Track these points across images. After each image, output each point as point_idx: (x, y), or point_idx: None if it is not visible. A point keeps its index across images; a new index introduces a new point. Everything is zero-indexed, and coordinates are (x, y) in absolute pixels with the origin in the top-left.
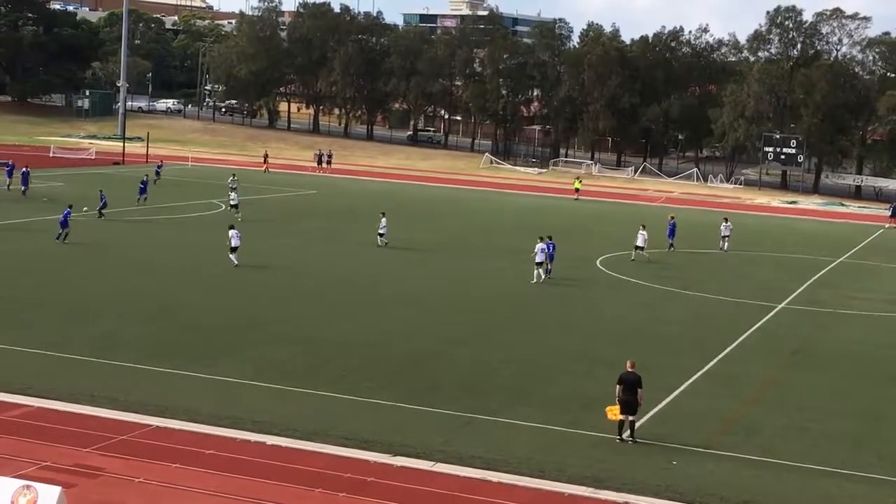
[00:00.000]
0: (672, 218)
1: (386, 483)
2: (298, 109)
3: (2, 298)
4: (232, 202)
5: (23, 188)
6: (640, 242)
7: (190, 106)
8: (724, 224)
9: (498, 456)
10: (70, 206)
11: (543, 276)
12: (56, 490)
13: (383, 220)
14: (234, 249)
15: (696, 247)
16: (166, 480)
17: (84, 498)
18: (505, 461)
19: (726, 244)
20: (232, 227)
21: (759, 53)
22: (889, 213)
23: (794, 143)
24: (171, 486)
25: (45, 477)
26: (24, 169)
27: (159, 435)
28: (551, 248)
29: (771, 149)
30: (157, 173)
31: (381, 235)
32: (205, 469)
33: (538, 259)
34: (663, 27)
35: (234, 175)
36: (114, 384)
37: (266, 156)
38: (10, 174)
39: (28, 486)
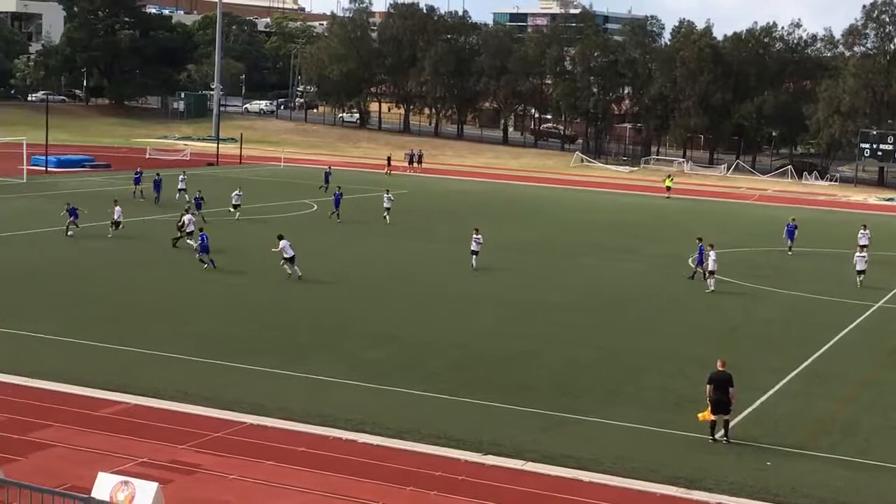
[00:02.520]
0: (793, 220)
1: (477, 482)
2: (389, 109)
3: (100, 298)
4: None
5: (155, 194)
6: (711, 267)
7: (283, 107)
8: (861, 231)
9: (589, 455)
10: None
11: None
12: (153, 486)
13: (477, 236)
14: (289, 260)
15: (782, 245)
16: (260, 477)
17: (180, 494)
18: (596, 461)
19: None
20: (281, 238)
21: (855, 48)
22: None
23: (891, 139)
24: (264, 483)
25: (142, 473)
26: (155, 177)
27: (253, 432)
28: (700, 252)
29: (867, 145)
30: (327, 179)
31: (475, 254)
32: (298, 466)
33: (711, 268)
34: (755, 23)
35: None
36: (208, 382)
37: (389, 158)
38: (137, 181)
39: (126, 482)
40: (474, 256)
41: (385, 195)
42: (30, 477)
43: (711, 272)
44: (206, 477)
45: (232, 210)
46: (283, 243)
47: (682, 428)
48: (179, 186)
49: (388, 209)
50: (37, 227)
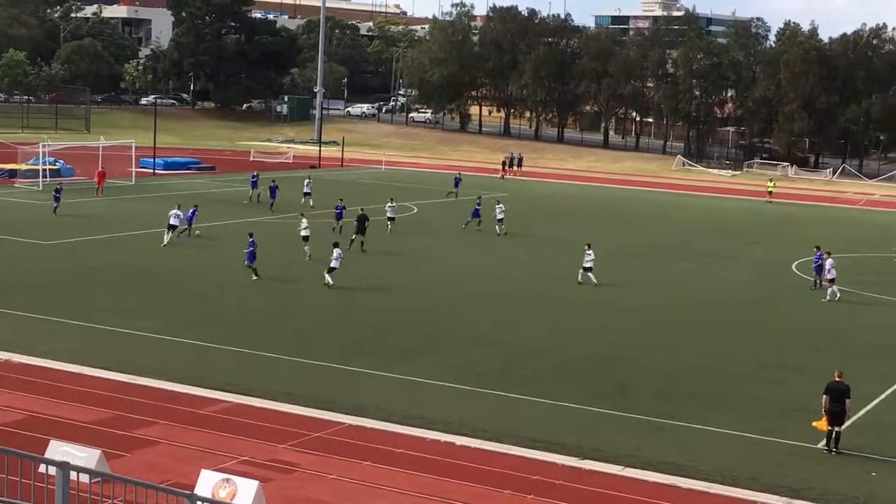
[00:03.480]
0: None
1: (574, 486)
2: (490, 113)
3: (206, 296)
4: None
5: (271, 201)
6: (830, 274)
7: (384, 110)
8: None
9: (688, 462)
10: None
11: (831, 294)
12: (254, 484)
13: (589, 251)
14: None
15: (884, 251)
16: (358, 477)
17: (280, 493)
18: (696, 468)
19: None
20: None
21: None
22: None
23: None
24: (363, 484)
25: (243, 471)
26: (271, 183)
27: (352, 433)
28: (818, 259)
29: None
30: (457, 185)
31: (588, 270)
32: (395, 467)
33: (831, 276)
34: (864, 24)
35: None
36: (308, 382)
37: (504, 162)
38: (254, 185)
39: (228, 480)
40: (589, 273)
41: (497, 206)
42: (135, 472)
43: (831, 280)
44: (305, 476)
45: (388, 223)
46: (336, 252)
47: (784, 436)
48: (305, 190)
49: (500, 220)
50: (145, 227)
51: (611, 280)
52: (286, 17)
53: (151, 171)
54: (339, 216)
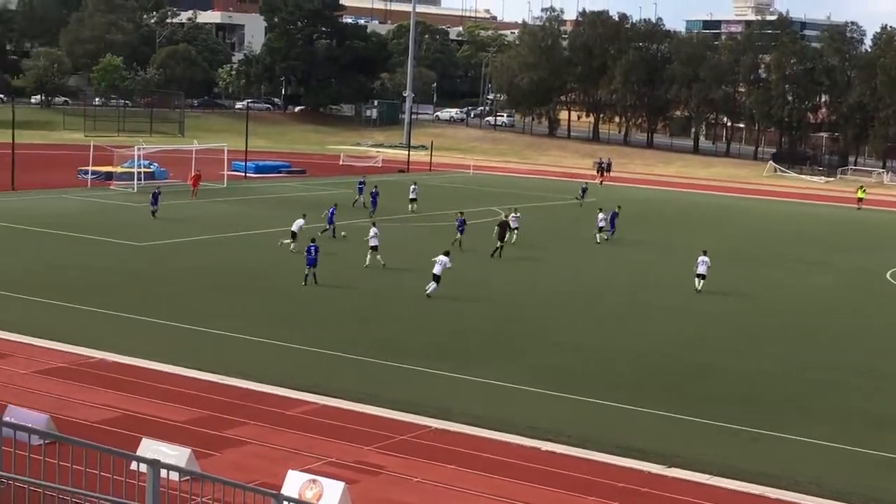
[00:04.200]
0: None
1: (660, 494)
2: (578, 118)
3: (294, 297)
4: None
5: (371, 210)
6: None
7: (472, 115)
8: None
9: (780, 472)
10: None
11: None
12: (340, 485)
13: (704, 257)
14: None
15: None
16: (443, 481)
17: (365, 494)
18: (788, 478)
19: None
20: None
21: None
22: None
23: None
24: (447, 487)
25: (329, 472)
26: (373, 190)
27: (437, 436)
28: None
29: None
30: (584, 195)
31: (701, 277)
32: (481, 472)
33: None
34: None
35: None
36: (394, 385)
37: (600, 167)
38: (361, 190)
39: (314, 481)
40: (701, 280)
41: (598, 214)
42: (223, 471)
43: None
44: (390, 478)
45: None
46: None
47: (881, 448)
48: (411, 196)
49: (601, 228)
50: (237, 230)
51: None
52: (377, 22)
53: (243, 174)
54: (461, 229)
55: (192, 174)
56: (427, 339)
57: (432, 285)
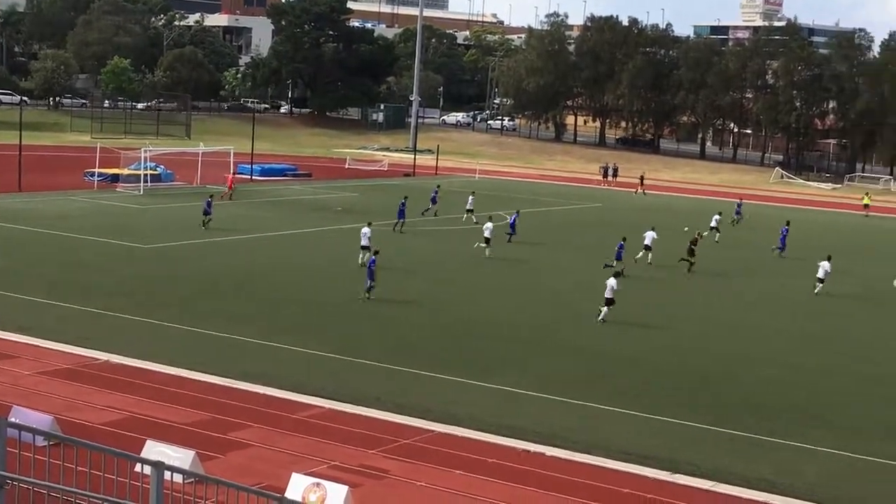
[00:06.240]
0: None
1: (665, 500)
2: (585, 122)
3: (302, 301)
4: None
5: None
6: None
7: (479, 119)
8: None
9: (785, 479)
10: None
11: None
12: (343, 489)
13: (825, 262)
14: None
15: None
16: (448, 486)
17: (369, 498)
18: (791, 486)
19: None
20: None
21: None
22: None
23: None
24: (452, 492)
25: (334, 475)
26: (402, 199)
27: (442, 440)
28: None
29: None
30: (738, 212)
31: (819, 281)
32: (486, 477)
33: None
34: None
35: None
36: (399, 389)
37: (642, 177)
38: (434, 200)
39: (318, 484)
40: (820, 284)
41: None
42: (227, 474)
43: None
44: (394, 483)
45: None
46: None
47: (892, 457)
48: (468, 206)
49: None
50: (245, 232)
51: (696, 293)
52: (383, 25)
53: (249, 177)
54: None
55: (229, 175)
56: (433, 344)
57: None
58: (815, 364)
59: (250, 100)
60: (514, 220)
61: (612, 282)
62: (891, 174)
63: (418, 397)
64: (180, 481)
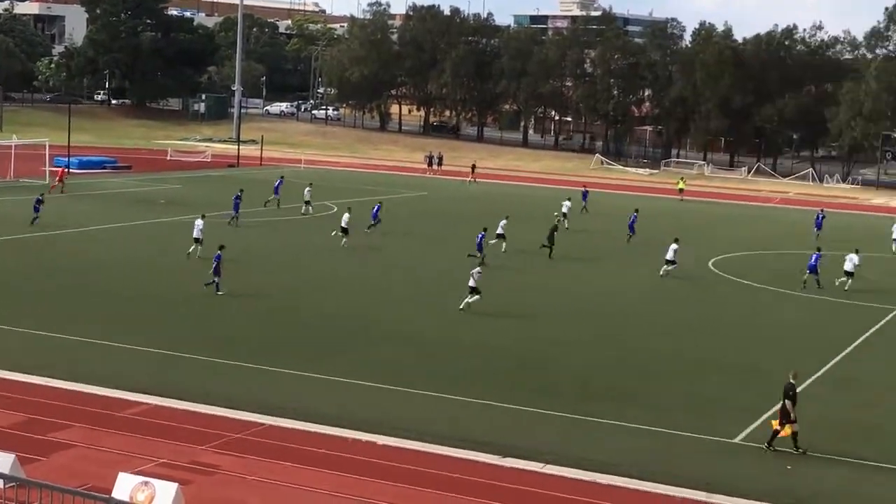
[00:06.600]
0: (822, 210)
1: (495, 483)
2: (409, 112)
3: (124, 297)
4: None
5: (234, 215)
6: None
7: (303, 109)
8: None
9: (608, 459)
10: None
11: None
12: (173, 487)
13: (853, 255)
14: (197, 241)
15: (804, 247)
16: (280, 479)
17: (200, 495)
18: (614, 464)
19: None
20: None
21: (878, 50)
22: None
23: None
24: (284, 484)
25: (163, 473)
26: (237, 192)
27: (273, 433)
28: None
29: (889, 148)
30: (584, 199)
31: (849, 275)
32: (317, 467)
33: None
34: (776, 25)
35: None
36: (228, 383)
37: (474, 165)
38: (276, 191)
39: (146, 483)
40: (850, 279)
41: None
42: (51, 477)
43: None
44: (225, 478)
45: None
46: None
47: (703, 432)
48: (306, 198)
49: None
50: (59, 228)
51: (519, 281)
52: (203, 14)
53: (66, 169)
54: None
55: (61, 168)
56: (260, 335)
57: None
58: (630, 346)
59: (77, 91)
60: (377, 210)
61: (475, 271)
62: (704, 159)
63: (247, 390)
64: (1, 486)
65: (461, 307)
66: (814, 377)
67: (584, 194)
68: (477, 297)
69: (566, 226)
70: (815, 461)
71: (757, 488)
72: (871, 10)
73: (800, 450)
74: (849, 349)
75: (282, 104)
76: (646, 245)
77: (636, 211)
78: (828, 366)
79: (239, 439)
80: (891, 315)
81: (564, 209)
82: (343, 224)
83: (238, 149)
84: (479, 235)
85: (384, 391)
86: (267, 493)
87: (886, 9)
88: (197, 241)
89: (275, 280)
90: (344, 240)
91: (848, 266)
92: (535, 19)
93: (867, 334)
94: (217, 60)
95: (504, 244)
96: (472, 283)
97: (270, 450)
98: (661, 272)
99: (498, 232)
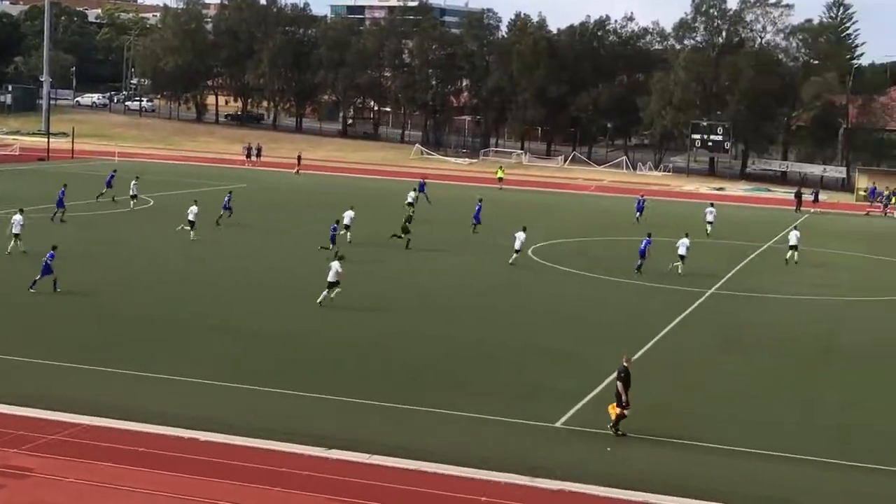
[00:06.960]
0: (642, 196)
1: (321, 476)
2: (227, 102)
3: None
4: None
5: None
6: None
7: (116, 100)
8: (708, 209)
9: (431, 447)
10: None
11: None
12: None
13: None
14: (17, 236)
15: (619, 234)
16: (98, 479)
17: (13, 499)
18: (439, 452)
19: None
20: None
21: (685, 41)
22: (811, 198)
23: (720, 130)
24: (103, 485)
25: None
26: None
27: (91, 434)
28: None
29: (698, 136)
30: (422, 190)
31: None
32: (138, 467)
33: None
34: (588, 16)
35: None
36: (42, 383)
37: (299, 156)
38: (109, 184)
39: None
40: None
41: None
42: None
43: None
44: (39, 481)
45: (344, 233)
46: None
47: (527, 417)
48: (132, 192)
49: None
50: None
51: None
52: (7, 2)
53: None
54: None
55: None
56: (76, 332)
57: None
58: (456, 335)
59: None
60: (228, 200)
61: (335, 265)
62: (522, 148)
63: (61, 390)
64: None
65: (319, 301)
66: (634, 359)
67: (422, 186)
68: (337, 290)
69: (412, 212)
70: (636, 442)
71: (579, 471)
72: (680, 2)
73: (619, 433)
74: (663, 332)
75: (94, 95)
76: (490, 233)
77: (480, 200)
78: (645, 348)
79: (55, 441)
80: (703, 297)
81: (410, 199)
82: (190, 217)
83: (48, 141)
84: (332, 227)
85: (209, 386)
86: (85, 495)
87: (693, 1)
88: (16, 236)
89: (102, 277)
90: (192, 233)
91: (681, 250)
92: (351, 9)
93: (680, 317)
94: (23, 50)
95: (349, 234)
96: (331, 276)
97: (88, 450)
98: (511, 260)
99: (345, 223)
